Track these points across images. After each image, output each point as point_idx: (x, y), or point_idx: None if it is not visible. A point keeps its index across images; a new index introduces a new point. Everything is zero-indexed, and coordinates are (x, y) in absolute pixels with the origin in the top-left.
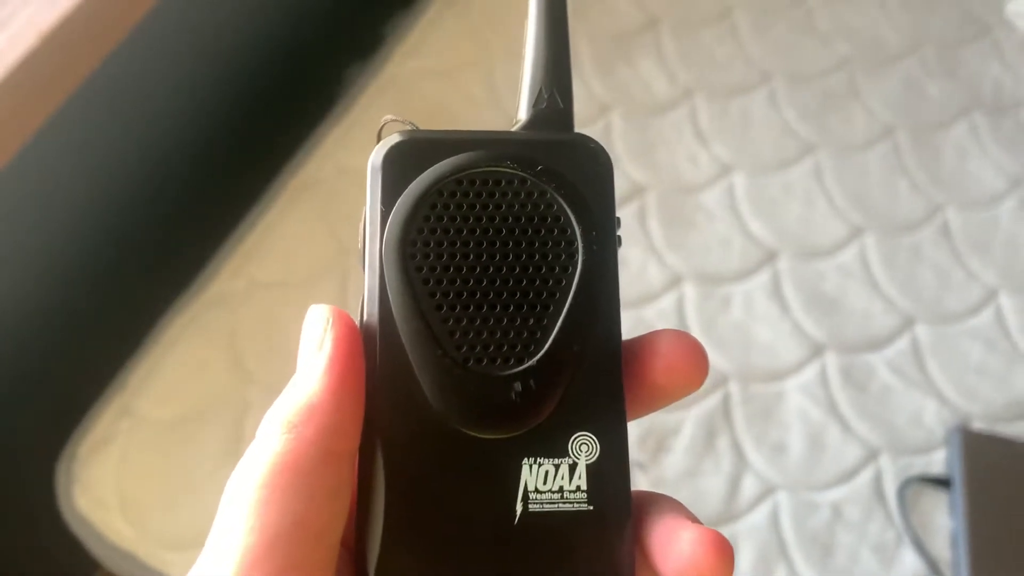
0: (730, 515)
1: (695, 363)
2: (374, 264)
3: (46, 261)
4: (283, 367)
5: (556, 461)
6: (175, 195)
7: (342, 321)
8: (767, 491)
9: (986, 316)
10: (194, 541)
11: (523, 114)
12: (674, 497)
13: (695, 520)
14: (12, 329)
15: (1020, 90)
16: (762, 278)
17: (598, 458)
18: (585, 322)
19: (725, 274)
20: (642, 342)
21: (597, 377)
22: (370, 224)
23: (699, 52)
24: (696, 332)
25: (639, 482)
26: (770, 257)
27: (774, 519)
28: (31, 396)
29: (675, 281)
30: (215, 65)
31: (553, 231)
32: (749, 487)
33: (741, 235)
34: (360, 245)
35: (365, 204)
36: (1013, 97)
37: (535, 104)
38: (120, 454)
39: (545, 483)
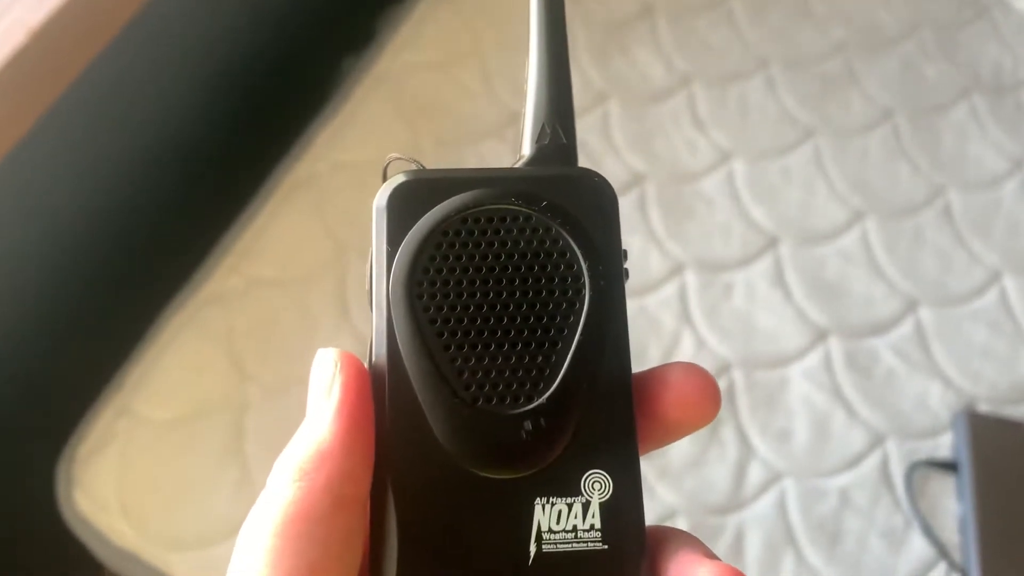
0: (737, 503)
1: (707, 396)
2: (381, 305)
3: (41, 261)
4: (281, 364)
5: (569, 500)
6: (170, 193)
7: (350, 365)
8: (773, 478)
9: (990, 298)
10: (195, 541)
11: (526, 149)
12: (690, 533)
13: (711, 556)
14: (8, 330)
15: (1019, 71)
16: (764, 264)
17: (611, 496)
18: (594, 358)
19: (726, 261)
20: (652, 376)
21: (608, 413)
22: (376, 265)
23: (695, 39)
24: (698, 320)
25: (645, 473)
26: (771, 243)
27: (781, 506)
28: (29, 397)
29: (677, 269)
30: (208, 61)
31: (559, 267)
32: (755, 475)
33: (742, 222)
34: (367, 286)
35: (371, 245)
36: (1013, 78)
37: (538, 139)
38: (119, 455)
39: (559, 523)
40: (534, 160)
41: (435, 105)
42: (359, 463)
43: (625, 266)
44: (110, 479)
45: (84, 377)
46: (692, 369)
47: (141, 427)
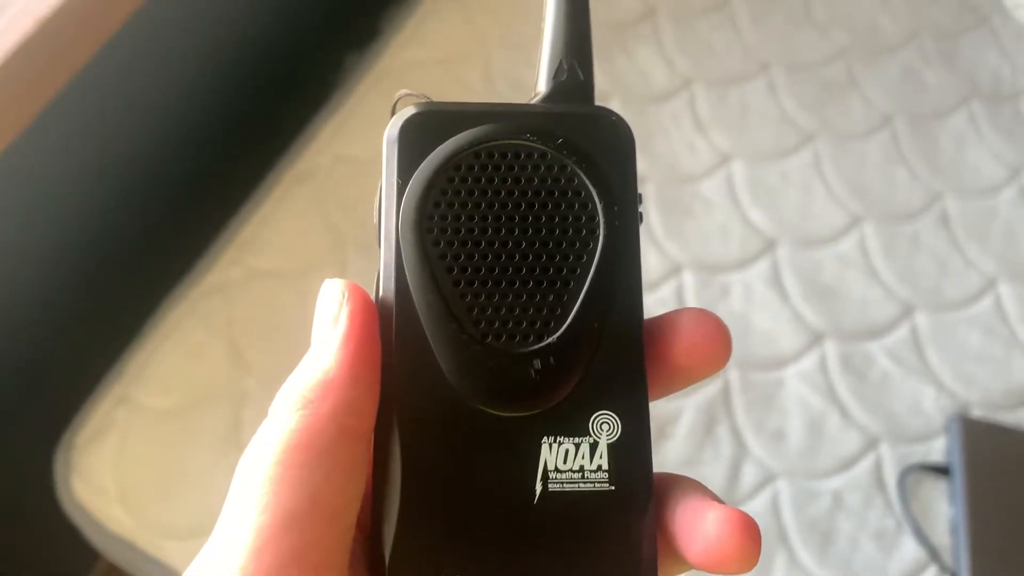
0: (730, 502)
1: (718, 342)
2: (390, 239)
3: (42, 251)
4: (281, 356)
5: (576, 440)
6: (172, 184)
7: (357, 296)
8: (767, 479)
9: (985, 304)
10: (193, 529)
11: (542, 86)
12: (695, 479)
13: (719, 500)
14: (9, 319)
15: (1018, 79)
16: (761, 267)
17: (619, 438)
18: (606, 299)
19: (724, 263)
20: (664, 321)
21: (618, 355)
22: (386, 198)
23: (697, 41)
24: None
25: None
26: (769, 246)
27: (774, 506)
28: (28, 386)
29: (674, 270)
30: (212, 54)
31: (574, 206)
32: (749, 474)
33: (740, 224)
34: (375, 219)
35: (381, 177)
36: (1011, 86)
37: (555, 76)
38: (118, 443)
39: (565, 462)
40: (550, 96)
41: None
42: (364, 394)
43: (640, 209)
44: (108, 467)
45: (84, 365)
46: (704, 315)
47: (140, 415)
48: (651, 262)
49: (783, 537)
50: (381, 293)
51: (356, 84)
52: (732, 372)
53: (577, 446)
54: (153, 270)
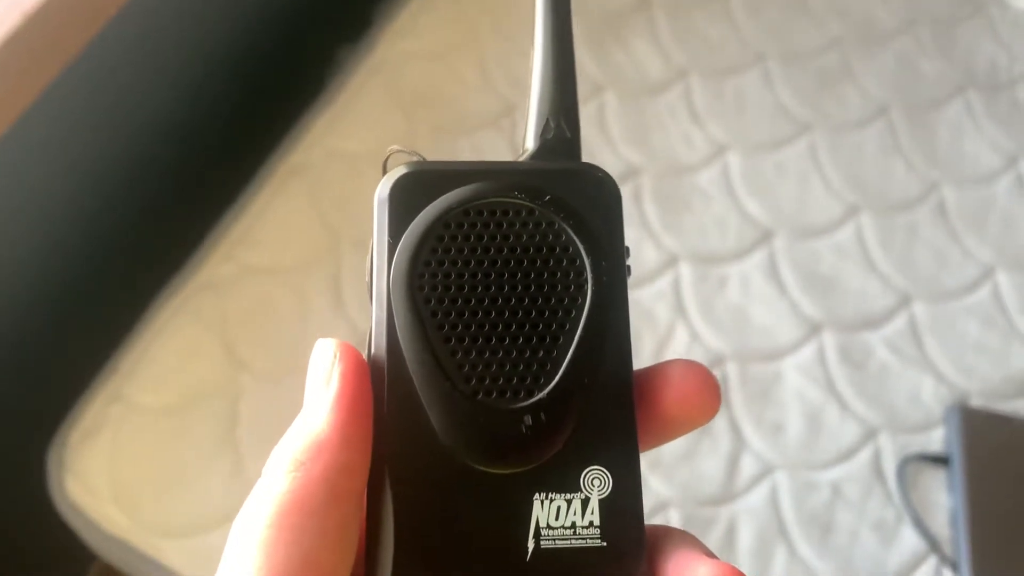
0: (729, 495)
1: (707, 394)
2: (381, 296)
3: (33, 248)
4: (275, 352)
5: (568, 496)
6: (164, 179)
7: (349, 355)
8: (766, 471)
9: (983, 293)
10: (188, 528)
11: (530, 143)
12: (688, 532)
13: (710, 554)
14: (1, 317)
15: (1015, 68)
16: (758, 258)
17: (611, 493)
18: (596, 354)
19: (721, 254)
20: (653, 372)
21: (609, 409)
22: (377, 256)
23: (693, 32)
24: (693, 313)
25: None
26: (766, 237)
27: (773, 499)
28: (21, 384)
29: (671, 262)
30: (204, 49)
31: (562, 262)
32: (748, 467)
33: (737, 215)
34: (367, 278)
35: (372, 237)
36: (1008, 74)
37: (542, 134)
38: (111, 441)
39: (557, 519)
40: (538, 154)
41: (431, 94)
42: (356, 455)
43: (628, 263)
44: (102, 465)
45: (77, 363)
46: (692, 366)
47: (134, 413)
48: (648, 254)
49: (782, 530)
50: (373, 350)
51: (349, 77)
52: (730, 364)
53: (569, 502)
54: (146, 266)
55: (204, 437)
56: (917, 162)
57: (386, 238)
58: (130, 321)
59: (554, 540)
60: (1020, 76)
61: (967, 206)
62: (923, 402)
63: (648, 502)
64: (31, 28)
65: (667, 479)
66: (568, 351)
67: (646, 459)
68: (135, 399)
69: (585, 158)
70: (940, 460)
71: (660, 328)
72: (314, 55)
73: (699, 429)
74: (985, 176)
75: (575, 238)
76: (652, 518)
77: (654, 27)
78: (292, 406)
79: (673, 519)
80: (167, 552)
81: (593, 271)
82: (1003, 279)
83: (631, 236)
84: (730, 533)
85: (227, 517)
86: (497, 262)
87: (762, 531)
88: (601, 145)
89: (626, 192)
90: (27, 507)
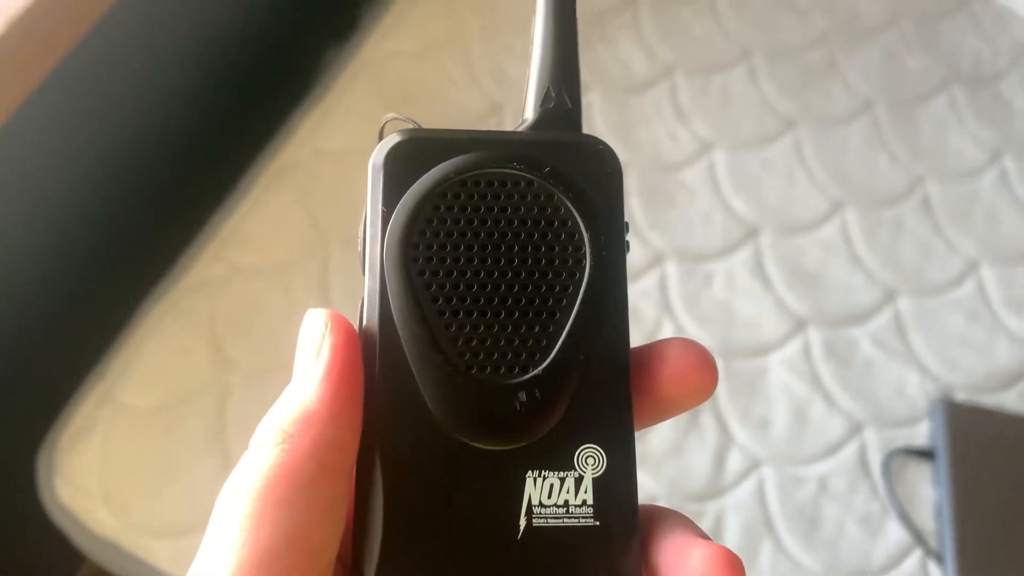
0: (716, 490)
1: (705, 372)
2: (375, 267)
3: (21, 249)
4: (264, 352)
5: (561, 474)
6: (152, 180)
7: (340, 327)
8: (752, 466)
9: (968, 288)
10: (178, 529)
11: (529, 113)
12: (683, 513)
13: (705, 536)
14: None
15: (998, 62)
16: (744, 254)
17: (605, 472)
18: (592, 330)
19: (707, 251)
20: (650, 351)
21: (604, 387)
22: (371, 226)
23: (678, 29)
24: (679, 310)
25: None
26: (752, 233)
27: (760, 494)
28: (9, 386)
29: (657, 259)
30: (190, 49)
31: (560, 235)
32: (734, 462)
33: (722, 212)
34: (360, 247)
35: (365, 204)
36: (992, 69)
37: (542, 103)
38: (101, 442)
39: (550, 497)
40: (538, 124)
41: (418, 93)
42: (346, 429)
43: (627, 238)
44: (92, 467)
45: (66, 364)
46: (690, 345)
47: (123, 414)
48: (634, 252)
49: (769, 524)
50: (365, 322)
51: (336, 76)
52: (716, 361)
53: (562, 480)
54: (134, 267)
55: (194, 437)
56: (902, 157)
57: (380, 207)
58: (119, 322)
59: (546, 518)
60: (1004, 71)
61: (951, 201)
62: (908, 396)
63: None
64: (17, 30)
65: (654, 474)
66: (564, 327)
67: None
68: (124, 400)
69: None
70: (925, 454)
71: (646, 325)
72: (301, 55)
73: (686, 425)
74: (969, 171)
75: (574, 211)
76: None
77: (639, 24)
78: None
79: None
80: (157, 553)
81: (592, 246)
82: (987, 273)
83: None
84: (717, 528)
85: None
86: (494, 234)
87: (749, 525)
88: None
89: None
90: (17, 509)
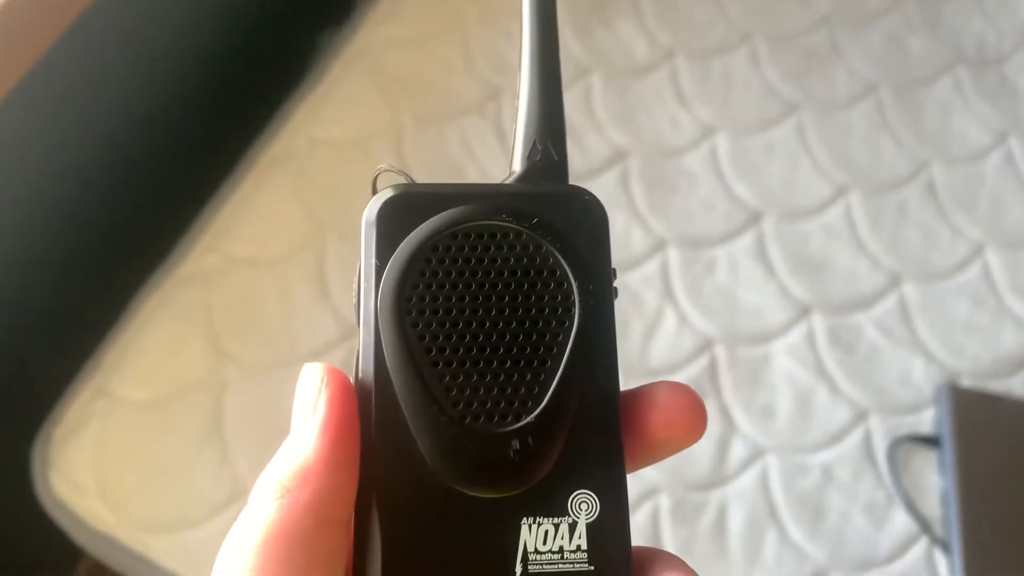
0: (719, 479)
1: (694, 415)
2: (369, 320)
3: (16, 242)
4: (259, 344)
5: (556, 520)
6: (145, 170)
7: (336, 381)
8: (756, 454)
9: (973, 272)
10: (174, 523)
11: (517, 166)
12: (675, 554)
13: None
14: None
15: (1003, 44)
16: (747, 240)
17: (598, 516)
18: (583, 377)
19: (709, 237)
20: (640, 395)
21: (596, 433)
22: (364, 279)
23: (678, 13)
24: (681, 296)
25: None
26: (754, 219)
27: (764, 482)
28: (4, 378)
29: (659, 246)
30: (183, 36)
31: (549, 285)
32: (738, 451)
33: (725, 197)
34: (354, 301)
35: (359, 259)
36: (996, 51)
37: (529, 156)
38: (96, 436)
39: (545, 543)
40: (525, 177)
41: (415, 81)
42: (343, 482)
43: (615, 285)
44: (87, 461)
45: (61, 358)
46: (678, 389)
47: (118, 408)
48: (635, 238)
49: (773, 513)
50: (360, 375)
51: (331, 64)
52: (718, 348)
53: (556, 527)
54: (128, 259)
55: (190, 431)
56: (906, 140)
57: (373, 261)
58: (114, 315)
59: (541, 564)
60: (1009, 52)
61: (956, 184)
62: (913, 383)
63: (638, 487)
64: (5, 15)
65: (657, 464)
66: (556, 375)
67: None
68: (120, 394)
69: (572, 141)
70: (931, 441)
71: (648, 313)
72: (296, 42)
73: None
74: (974, 154)
75: (562, 261)
76: (642, 504)
77: (639, 8)
78: (278, 399)
79: (663, 504)
80: (154, 547)
81: (580, 294)
82: (993, 257)
83: (618, 219)
84: (720, 517)
85: (213, 511)
86: (485, 285)
87: (753, 515)
88: (587, 128)
89: (613, 175)
90: (12, 504)
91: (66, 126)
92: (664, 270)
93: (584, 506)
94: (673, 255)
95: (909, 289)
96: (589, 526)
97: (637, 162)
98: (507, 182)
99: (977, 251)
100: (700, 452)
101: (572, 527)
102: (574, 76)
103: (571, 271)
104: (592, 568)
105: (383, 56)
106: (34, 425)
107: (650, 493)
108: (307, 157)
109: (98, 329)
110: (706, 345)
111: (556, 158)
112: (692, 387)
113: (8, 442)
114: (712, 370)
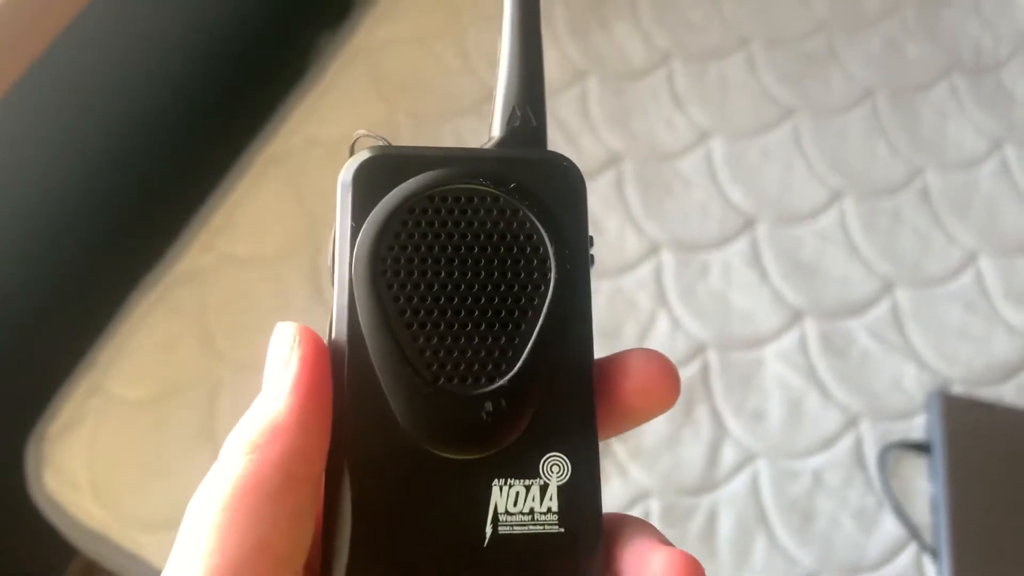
0: (710, 484)
1: (667, 384)
2: (343, 281)
3: (11, 240)
4: (254, 343)
5: (527, 482)
6: (143, 170)
7: (309, 339)
8: (747, 459)
9: (966, 279)
10: (167, 522)
11: (496, 131)
12: (645, 519)
13: (666, 542)
14: None
15: (1000, 50)
16: (740, 245)
17: (569, 479)
18: (557, 341)
19: (703, 241)
20: (613, 362)
21: (569, 397)
22: (340, 241)
23: (675, 16)
24: (674, 300)
25: (618, 453)
26: (748, 223)
27: (754, 487)
28: None
29: (653, 249)
30: (182, 36)
31: (526, 249)
32: (729, 455)
33: (719, 202)
34: (329, 262)
35: (335, 221)
36: (993, 57)
37: (508, 121)
38: (90, 434)
39: (515, 505)
40: (504, 142)
41: (412, 80)
42: (314, 439)
43: (591, 252)
44: (80, 459)
45: (55, 355)
46: (652, 356)
47: (113, 406)
48: (629, 241)
49: (763, 518)
50: (334, 335)
51: (329, 64)
52: (711, 352)
53: (527, 488)
54: (124, 257)
55: (184, 430)
56: (901, 146)
57: (349, 222)
58: (109, 313)
59: (512, 526)
60: (1006, 58)
61: (951, 191)
62: (905, 389)
63: (629, 491)
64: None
65: (647, 468)
66: (530, 339)
67: (627, 448)
68: (114, 391)
69: (567, 143)
70: (921, 447)
71: (642, 316)
72: (293, 42)
73: (681, 418)
74: (969, 160)
75: (539, 226)
76: (632, 507)
77: (636, 10)
78: None
79: (653, 509)
80: (146, 546)
81: (556, 259)
82: (986, 264)
83: (612, 222)
84: (710, 522)
85: None
86: (461, 248)
87: (743, 519)
88: (583, 130)
89: (608, 178)
90: (4, 502)
91: (64, 124)
92: (658, 274)
93: (556, 469)
94: (667, 259)
95: (902, 295)
96: (560, 489)
97: (632, 165)
98: (486, 147)
99: (971, 258)
100: (691, 456)
101: (543, 489)
102: (571, 79)
103: (548, 236)
104: (563, 530)
105: (380, 56)
106: (28, 422)
107: (640, 497)
108: (304, 157)
109: (93, 327)
110: (699, 349)
111: (535, 124)
112: (683, 386)
113: (2, 439)
114: (704, 374)
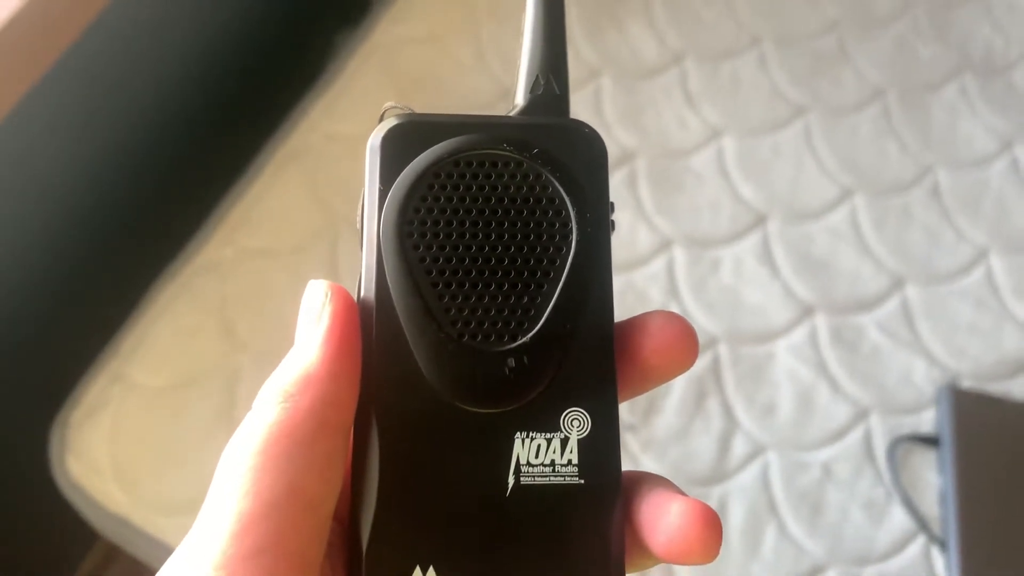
0: (720, 475)
1: (685, 344)
2: (372, 242)
3: (36, 229)
4: (273, 334)
5: (548, 435)
6: (164, 164)
7: (340, 295)
8: (757, 451)
9: (976, 276)
10: (187, 506)
11: (520, 99)
12: (662, 475)
13: (683, 494)
14: (3, 297)
15: (1011, 51)
16: (752, 241)
17: (589, 433)
18: (578, 301)
19: (715, 237)
20: (633, 323)
21: (590, 355)
22: (368, 203)
23: (688, 15)
24: (686, 295)
25: (629, 444)
26: (760, 220)
27: (764, 479)
28: (22, 365)
29: (665, 245)
30: (203, 34)
31: (548, 212)
32: (739, 447)
33: (731, 198)
34: (358, 224)
35: (364, 184)
36: (1004, 58)
37: (532, 90)
38: (112, 420)
39: (537, 457)
40: (527, 110)
41: (428, 78)
42: (344, 389)
43: (612, 217)
44: (103, 445)
45: (78, 343)
46: (671, 318)
47: (134, 393)
48: (641, 237)
49: (773, 509)
50: (363, 294)
51: (346, 61)
52: (722, 346)
53: (549, 441)
54: (146, 249)
55: (204, 416)
56: (912, 145)
57: (377, 185)
58: (131, 303)
59: (533, 477)
60: (1016, 59)
61: (961, 189)
62: (915, 384)
63: None
64: (30, 12)
65: (659, 458)
66: (552, 298)
67: (638, 439)
68: (136, 379)
69: None
70: (931, 441)
71: (653, 309)
72: (312, 39)
73: (692, 409)
74: (979, 159)
75: (561, 190)
76: None
77: (650, 10)
78: None
79: None
80: (167, 530)
81: (578, 222)
82: (996, 262)
83: (625, 218)
84: (721, 512)
85: None
86: (485, 211)
87: (753, 510)
88: (596, 128)
89: (620, 175)
90: (29, 486)
91: (92, 121)
92: (670, 269)
93: (576, 423)
94: (679, 254)
95: (912, 291)
96: (580, 442)
97: (645, 162)
98: (509, 114)
99: (981, 255)
100: (702, 448)
101: (564, 442)
102: (585, 77)
103: (569, 200)
104: (583, 482)
105: (397, 54)
106: (52, 408)
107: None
108: (322, 152)
109: (116, 316)
110: (710, 343)
111: (558, 92)
112: (694, 379)
113: (27, 425)
114: (715, 367)
